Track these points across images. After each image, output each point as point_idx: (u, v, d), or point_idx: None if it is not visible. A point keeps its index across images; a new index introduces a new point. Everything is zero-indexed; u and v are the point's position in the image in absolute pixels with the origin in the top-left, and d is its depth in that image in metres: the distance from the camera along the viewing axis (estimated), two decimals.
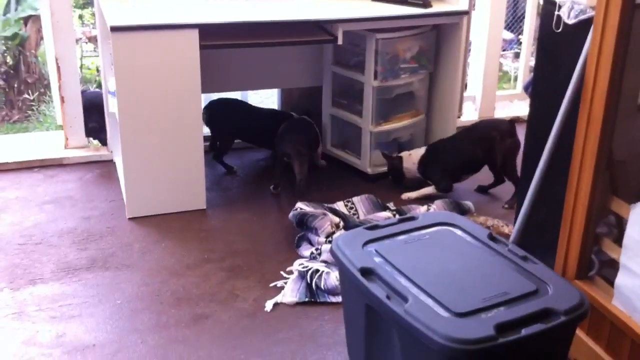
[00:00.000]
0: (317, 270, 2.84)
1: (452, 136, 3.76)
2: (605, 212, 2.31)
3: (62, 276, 2.88)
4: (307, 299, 2.75)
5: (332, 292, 2.77)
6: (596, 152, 2.20)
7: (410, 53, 3.69)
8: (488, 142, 3.51)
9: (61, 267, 2.94)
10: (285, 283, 2.85)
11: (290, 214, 3.18)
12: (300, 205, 3.23)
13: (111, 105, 3.55)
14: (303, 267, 2.87)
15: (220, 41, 3.23)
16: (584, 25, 2.32)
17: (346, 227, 3.09)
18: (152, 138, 3.22)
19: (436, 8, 3.63)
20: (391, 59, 3.64)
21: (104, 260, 3.00)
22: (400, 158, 3.68)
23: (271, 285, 2.85)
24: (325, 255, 2.92)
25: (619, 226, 2.27)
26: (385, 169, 3.78)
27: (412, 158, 3.66)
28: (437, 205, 3.36)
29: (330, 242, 2.94)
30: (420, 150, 3.68)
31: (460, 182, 3.67)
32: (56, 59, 3.77)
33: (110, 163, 3.89)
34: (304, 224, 3.10)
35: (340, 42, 3.38)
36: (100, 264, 2.97)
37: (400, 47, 3.64)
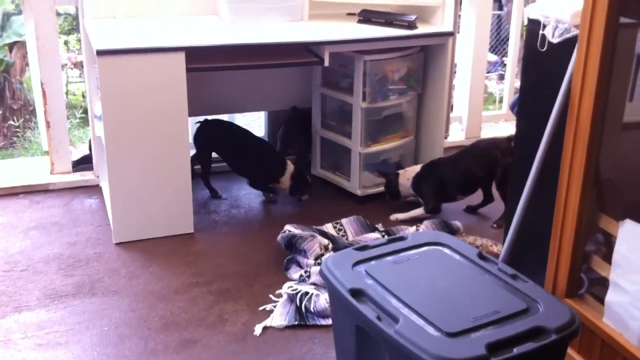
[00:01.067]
0: (307, 293, 2.82)
1: (451, 155, 3.76)
2: (594, 230, 2.31)
3: (48, 303, 2.84)
4: (296, 322, 2.73)
5: (321, 314, 2.75)
6: (583, 169, 2.21)
7: (399, 74, 3.71)
8: (490, 160, 3.52)
9: (47, 294, 2.90)
10: (275, 306, 2.82)
11: (279, 237, 3.17)
12: (288, 228, 3.21)
13: (97, 130, 3.53)
14: (292, 290, 2.85)
15: (206, 64, 3.23)
16: (569, 44, 2.34)
17: (335, 249, 3.08)
18: (138, 162, 3.20)
19: (422, 30, 3.65)
20: (380, 80, 3.65)
21: (91, 286, 2.97)
22: (397, 175, 3.68)
23: (260, 308, 2.82)
24: (315, 278, 2.90)
25: (608, 243, 2.27)
26: (375, 190, 3.78)
27: (407, 174, 3.66)
28: (425, 226, 3.36)
29: (319, 264, 2.93)
30: (416, 168, 3.69)
31: (451, 203, 3.67)
32: (42, 84, 3.75)
33: (96, 188, 3.87)
34: (293, 246, 3.09)
35: (326, 64, 3.39)
36: (87, 290, 2.94)
37: (388, 68, 3.66)
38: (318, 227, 3.32)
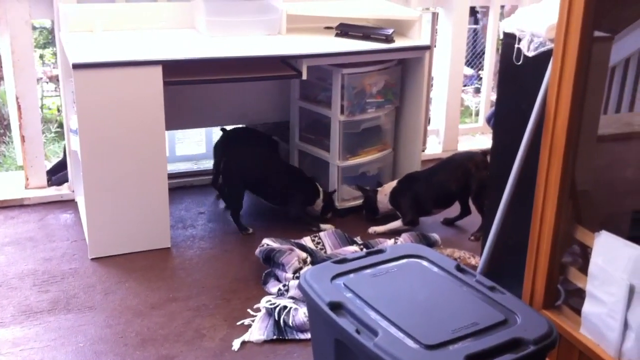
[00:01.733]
0: (285, 307, 2.80)
1: (427, 169, 3.78)
2: (571, 242, 2.33)
3: (23, 319, 2.80)
4: (275, 337, 2.71)
5: (300, 328, 2.73)
6: (559, 181, 2.23)
7: (377, 88, 3.73)
8: (465, 174, 3.54)
9: (22, 310, 2.86)
10: (253, 321, 2.81)
11: (257, 250, 3.15)
12: (266, 241, 3.20)
13: (73, 144, 3.50)
14: (270, 304, 2.84)
15: (184, 77, 3.22)
16: (544, 58, 2.36)
17: (313, 263, 3.07)
18: (115, 176, 3.18)
19: (399, 43, 3.67)
20: (358, 94, 3.67)
21: (66, 302, 2.93)
22: (376, 191, 3.69)
23: (238, 323, 2.80)
24: (293, 292, 2.89)
25: (584, 255, 2.29)
26: (354, 203, 3.79)
27: (384, 190, 3.67)
28: (404, 238, 3.36)
29: (297, 277, 2.92)
30: (393, 183, 3.69)
31: (428, 216, 3.68)
32: (17, 98, 3.72)
33: (72, 202, 3.83)
34: (271, 260, 3.07)
35: (304, 77, 3.40)
36: (62, 306, 2.90)
37: (366, 81, 3.67)
38: (296, 241, 3.31)
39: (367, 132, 3.81)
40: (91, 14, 3.54)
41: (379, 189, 3.70)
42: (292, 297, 2.88)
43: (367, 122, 3.78)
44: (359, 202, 3.78)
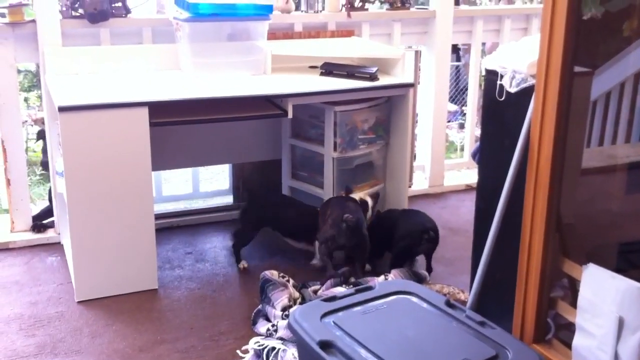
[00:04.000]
0: (274, 348, 2.77)
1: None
2: (559, 275, 2.34)
3: None
4: None
5: None
6: (545, 215, 2.25)
7: (368, 124, 3.78)
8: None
9: (8, 355, 2.81)
10: None
11: (261, 274, 3.15)
12: (268, 272, 3.18)
13: (59, 186, 3.49)
14: (259, 345, 2.81)
15: (170, 118, 3.23)
16: (526, 93, 2.40)
17: (303, 303, 3.05)
18: (101, 218, 3.16)
19: (383, 81, 3.71)
20: (349, 130, 3.72)
21: (53, 346, 2.89)
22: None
23: None
24: (282, 332, 2.86)
25: (573, 288, 2.30)
26: None
27: None
28: (393, 274, 3.34)
29: (286, 316, 2.89)
30: None
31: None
32: (2, 142, 3.71)
33: (58, 245, 3.80)
34: (264, 292, 3.06)
35: (290, 115, 3.42)
36: (49, 350, 2.86)
37: (357, 118, 3.73)
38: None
39: (360, 168, 3.84)
40: (76, 57, 3.56)
41: None
42: (280, 338, 2.85)
43: (359, 158, 3.82)
44: None
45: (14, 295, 3.29)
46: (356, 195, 3.59)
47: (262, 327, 2.97)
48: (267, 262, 3.61)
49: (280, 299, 3.01)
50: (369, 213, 3.58)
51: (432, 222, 3.52)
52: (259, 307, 3.09)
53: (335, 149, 3.68)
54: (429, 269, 3.54)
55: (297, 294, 3.08)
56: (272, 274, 3.18)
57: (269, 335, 2.90)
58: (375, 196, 3.68)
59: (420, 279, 3.32)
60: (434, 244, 3.48)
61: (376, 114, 3.80)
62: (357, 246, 3.36)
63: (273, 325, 2.92)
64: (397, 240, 3.48)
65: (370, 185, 3.90)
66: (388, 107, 3.86)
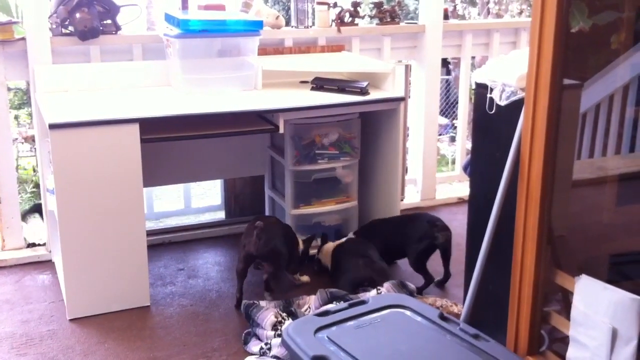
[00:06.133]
0: None
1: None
2: (552, 287, 2.34)
3: None
4: None
5: None
6: (537, 227, 2.25)
7: (329, 139, 3.79)
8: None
9: None
10: None
11: (242, 302, 3.15)
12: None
13: (50, 204, 3.47)
14: None
15: (161, 134, 3.23)
16: (516, 106, 2.41)
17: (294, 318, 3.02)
18: (92, 235, 3.15)
19: (374, 95, 3.72)
20: (307, 145, 3.75)
21: None
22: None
23: None
24: (276, 350, 2.83)
25: (566, 300, 2.30)
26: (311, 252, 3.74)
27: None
28: (386, 288, 3.32)
29: (279, 335, 2.87)
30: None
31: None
32: None
33: (49, 263, 3.78)
34: (250, 317, 3.04)
35: (281, 130, 3.43)
36: None
37: (316, 132, 3.74)
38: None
39: (321, 183, 3.84)
40: (66, 75, 3.56)
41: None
42: (275, 356, 2.82)
43: (318, 172, 3.82)
44: (313, 252, 3.71)
45: (5, 314, 3.27)
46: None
47: (255, 346, 2.94)
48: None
49: (267, 318, 2.98)
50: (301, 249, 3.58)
51: (434, 216, 3.60)
52: (249, 329, 3.06)
53: (291, 161, 3.75)
54: (447, 274, 3.56)
55: (283, 313, 3.05)
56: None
57: (262, 353, 2.87)
58: (307, 241, 3.64)
59: (410, 292, 3.31)
60: (448, 231, 3.49)
61: (339, 130, 3.80)
62: (269, 258, 3.31)
63: (266, 344, 2.88)
64: (412, 244, 3.50)
65: (336, 202, 3.89)
66: (357, 124, 3.85)
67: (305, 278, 3.57)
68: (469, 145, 4.40)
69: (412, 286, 3.40)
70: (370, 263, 3.41)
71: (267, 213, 4.20)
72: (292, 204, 3.78)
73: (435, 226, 3.50)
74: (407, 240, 3.54)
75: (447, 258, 3.55)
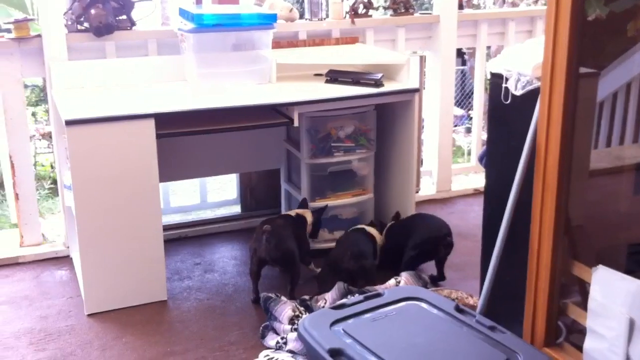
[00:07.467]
0: None
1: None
2: (569, 278, 2.32)
3: None
4: None
5: None
6: (554, 217, 2.23)
7: (344, 132, 3.78)
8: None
9: None
10: None
11: (261, 294, 3.16)
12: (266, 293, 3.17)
13: (67, 199, 3.50)
14: (269, 359, 2.79)
15: (177, 129, 3.24)
16: (532, 96, 2.39)
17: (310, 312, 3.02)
18: (109, 231, 3.17)
19: (388, 87, 3.71)
20: (323, 137, 3.74)
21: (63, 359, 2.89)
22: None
23: None
24: (292, 345, 2.83)
25: (583, 290, 2.28)
26: (327, 245, 3.72)
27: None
28: (405, 279, 3.30)
29: (296, 329, 2.87)
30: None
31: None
32: (10, 157, 3.73)
33: (67, 259, 3.81)
34: (267, 309, 3.05)
35: (296, 124, 3.43)
36: None
37: (332, 125, 3.73)
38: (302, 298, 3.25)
39: (336, 175, 3.83)
40: (82, 71, 3.58)
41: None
42: (290, 351, 2.82)
43: (334, 165, 3.81)
44: (331, 244, 3.66)
45: (23, 310, 3.30)
46: (293, 212, 3.60)
47: (272, 340, 2.95)
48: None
49: (284, 311, 2.99)
50: (309, 227, 3.57)
51: (448, 227, 3.52)
52: (267, 322, 3.07)
53: (307, 154, 3.74)
54: (442, 277, 3.52)
55: (300, 307, 3.05)
56: (273, 294, 3.16)
57: (278, 348, 2.88)
58: (318, 212, 3.64)
59: (424, 283, 3.30)
60: (450, 248, 3.47)
61: (355, 123, 3.79)
62: (282, 261, 3.29)
63: (282, 338, 2.90)
64: (414, 244, 3.47)
65: (352, 195, 3.89)
66: (373, 116, 3.84)
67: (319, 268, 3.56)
68: (484, 136, 4.37)
69: (426, 277, 3.40)
70: (358, 257, 3.36)
71: (283, 207, 4.17)
72: (308, 197, 3.78)
73: (445, 240, 3.45)
74: (412, 239, 3.50)
75: (442, 263, 3.53)
